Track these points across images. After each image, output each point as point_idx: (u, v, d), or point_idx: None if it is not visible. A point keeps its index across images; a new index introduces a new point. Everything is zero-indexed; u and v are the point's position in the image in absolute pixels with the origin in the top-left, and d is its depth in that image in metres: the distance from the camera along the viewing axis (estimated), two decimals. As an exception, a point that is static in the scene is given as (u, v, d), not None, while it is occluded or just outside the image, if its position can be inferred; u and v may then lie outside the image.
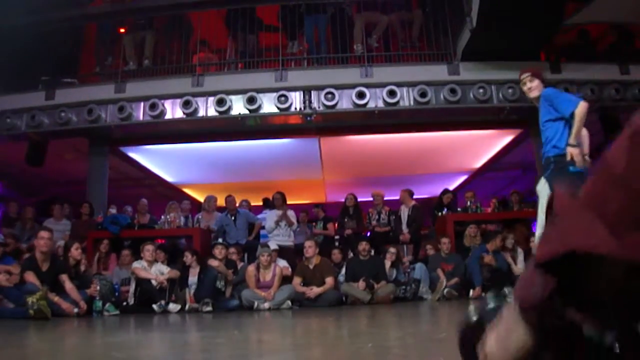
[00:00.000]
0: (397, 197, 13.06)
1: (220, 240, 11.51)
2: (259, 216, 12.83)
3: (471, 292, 9.97)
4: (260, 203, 14.47)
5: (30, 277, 8.16)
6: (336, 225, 13.19)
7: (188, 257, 9.98)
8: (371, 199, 13.19)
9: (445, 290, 9.83)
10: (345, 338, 5.10)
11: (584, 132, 6.55)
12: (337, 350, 3.97)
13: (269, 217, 12.15)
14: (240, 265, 10.82)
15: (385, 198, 13.35)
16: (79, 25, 13.74)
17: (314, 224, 13.66)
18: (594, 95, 11.44)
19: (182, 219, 11.94)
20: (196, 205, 16.13)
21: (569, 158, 6.07)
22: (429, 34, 12.34)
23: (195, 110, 11.75)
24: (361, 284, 9.98)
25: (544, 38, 11.28)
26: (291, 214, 12.11)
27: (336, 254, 11.13)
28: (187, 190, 18.82)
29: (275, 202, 12.21)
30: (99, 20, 13.73)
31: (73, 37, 13.47)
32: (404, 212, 12.69)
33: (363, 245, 10.49)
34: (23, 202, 14.01)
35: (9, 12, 12.00)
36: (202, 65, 12.61)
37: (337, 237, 12.97)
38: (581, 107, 6.16)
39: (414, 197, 13.04)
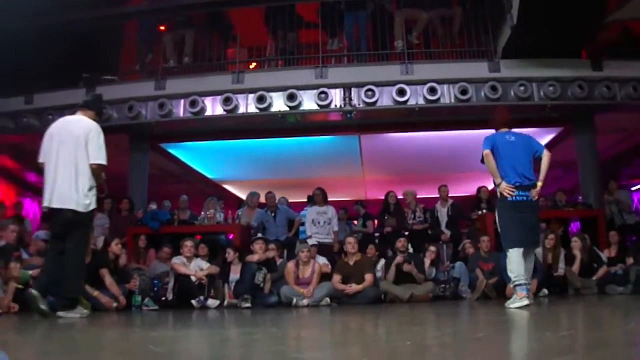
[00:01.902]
0: (436, 195, 12.95)
1: (261, 236, 11.51)
2: (301, 213, 12.81)
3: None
4: (299, 200, 14.45)
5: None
6: (376, 222, 13.13)
7: (230, 254, 10.00)
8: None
9: (485, 289, 9.74)
10: (383, 336, 5.05)
11: None
12: (375, 347, 3.92)
13: (309, 214, 12.16)
14: (279, 261, 10.81)
15: (424, 196, 13.27)
16: (119, 24, 13.84)
17: (354, 222, 13.63)
18: (636, 92, 11.30)
19: (220, 215, 11.96)
20: (235, 201, 16.18)
21: None
22: (469, 31, 12.24)
23: (236, 107, 11.80)
24: (399, 258, 10.03)
25: (585, 35, 11.14)
26: (332, 211, 12.11)
27: (371, 250, 11.07)
28: (227, 187, 18.90)
29: (316, 198, 12.18)
30: (139, 18, 13.82)
31: (113, 35, 13.58)
32: (442, 210, 12.60)
33: (402, 242, 10.42)
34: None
35: (50, 11, 12.11)
36: (241, 62, 12.59)
37: (376, 234, 12.93)
38: None
39: (449, 195, 12.95)
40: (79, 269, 6.91)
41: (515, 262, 7.21)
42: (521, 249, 7.26)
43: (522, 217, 7.33)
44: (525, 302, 6.94)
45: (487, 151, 7.57)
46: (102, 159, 6.93)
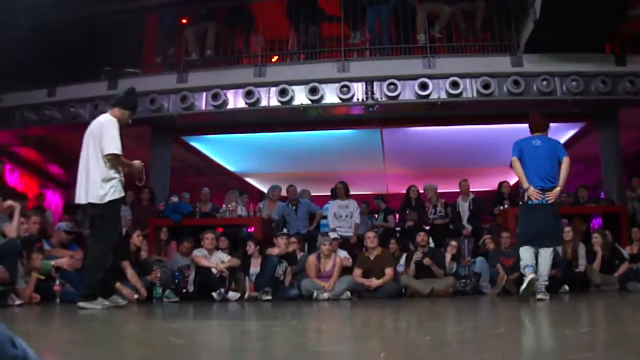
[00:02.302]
0: (457, 190, 12.93)
1: (285, 230, 11.56)
2: (324, 207, 12.81)
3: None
4: (321, 193, 14.44)
5: (92, 263, 8.26)
6: (397, 217, 13.12)
7: (251, 247, 10.04)
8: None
9: (505, 285, 9.70)
10: (403, 330, 5.08)
11: None
12: (395, 342, 3.94)
13: (331, 207, 12.16)
14: (300, 255, 10.81)
15: (445, 190, 13.24)
16: (141, 17, 13.89)
17: (375, 215, 13.62)
18: (660, 88, 11.24)
19: (242, 208, 11.99)
20: (257, 195, 16.22)
21: None
22: (491, 25, 12.17)
23: (258, 101, 11.82)
24: (418, 254, 10.06)
25: (608, 29, 11.06)
26: (353, 204, 12.14)
27: (393, 245, 11.06)
28: (248, 180, 18.95)
29: (338, 191, 12.22)
30: (161, 11, 13.86)
31: (135, 28, 13.64)
32: (463, 205, 12.57)
33: (421, 236, 10.40)
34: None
35: (72, 5, 12.19)
36: (263, 55, 12.61)
37: (397, 229, 12.92)
38: None
39: (470, 189, 12.92)
40: (97, 261, 6.96)
41: (525, 257, 7.54)
42: (530, 248, 7.58)
43: (534, 218, 7.64)
44: (532, 276, 7.28)
45: (514, 158, 7.91)
46: (114, 149, 6.99)
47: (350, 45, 12.63)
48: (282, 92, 11.64)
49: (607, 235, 10.45)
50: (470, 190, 12.84)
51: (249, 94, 11.73)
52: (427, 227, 12.11)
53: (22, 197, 12.13)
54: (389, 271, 9.80)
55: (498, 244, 10.73)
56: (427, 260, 9.94)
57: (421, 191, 12.97)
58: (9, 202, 7.67)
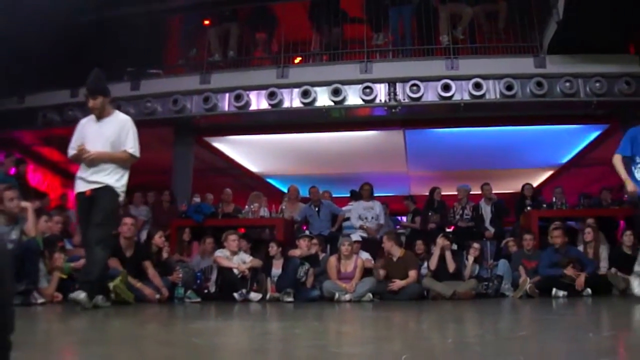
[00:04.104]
0: (479, 192, 12.88)
1: (307, 232, 11.58)
2: (344, 208, 12.79)
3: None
4: (343, 195, 14.42)
5: (114, 262, 8.28)
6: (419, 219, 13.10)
7: (273, 248, 10.05)
8: (455, 193, 12.94)
9: (528, 288, 9.65)
10: (425, 332, 5.05)
11: None
12: (417, 344, 3.93)
13: (355, 209, 12.15)
14: (322, 256, 10.80)
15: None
16: (164, 18, 13.97)
17: (403, 218, 13.60)
18: (686, 88, 11.15)
19: (264, 209, 12.00)
20: (279, 195, 16.25)
21: None
22: (514, 26, 12.12)
23: (280, 102, 11.87)
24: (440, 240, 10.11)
25: (633, 30, 10.95)
26: (378, 205, 12.16)
27: (419, 246, 11.02)
28: (270, 181, 18.99)
29: (364, 192, 12.23)
30: (184, 13, 13.94)
31: (158, 29, 13.70)
32: (486, 208, 12.52)
33: (442, 239, 10.36)
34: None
35: (95, 6, 12.27)
36: (286, 56, 12.63)
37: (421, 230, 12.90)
38: None
39: (493, 191, 12.86)
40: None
41: None
42: None
43: None
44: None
45: (618, 155, 7.83)
46: (70, 149, 7.24)
47: (372, 47, 12.62)
48: (305, 94, 11.68)
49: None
50: (493, 192, 12.76)
51: (271, 95, 11.78)
52: (450, 230, 12.09)
53: (41, 196, 12.23)
54: (412, 273, 9.75)
55: (520, 247, 10.66)
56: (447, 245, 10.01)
57: (447, 193, 12.94)
58: (22, 204, 7.69)
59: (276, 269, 9.88)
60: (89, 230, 6.77)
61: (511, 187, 16.05)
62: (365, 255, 10.51)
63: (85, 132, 7.24)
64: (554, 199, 11.70)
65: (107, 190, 6.89)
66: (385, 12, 12.71)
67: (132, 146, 7.13)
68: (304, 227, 12.35)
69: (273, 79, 12.11)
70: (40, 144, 14.74)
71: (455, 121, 13.17)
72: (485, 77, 11.48)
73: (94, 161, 6.93)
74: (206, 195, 12.74)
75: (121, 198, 7.14)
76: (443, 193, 12.97)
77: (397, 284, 9.63)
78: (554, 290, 9.39)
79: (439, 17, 12.37)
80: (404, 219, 15.01)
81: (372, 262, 10.43)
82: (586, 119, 12.66)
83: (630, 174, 7.59)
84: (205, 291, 9.77)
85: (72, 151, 7.11)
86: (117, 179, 7.02)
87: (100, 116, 7.23)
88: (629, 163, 7.60)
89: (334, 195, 13.37)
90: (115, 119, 7.28)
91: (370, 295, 9.63)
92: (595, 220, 11.01)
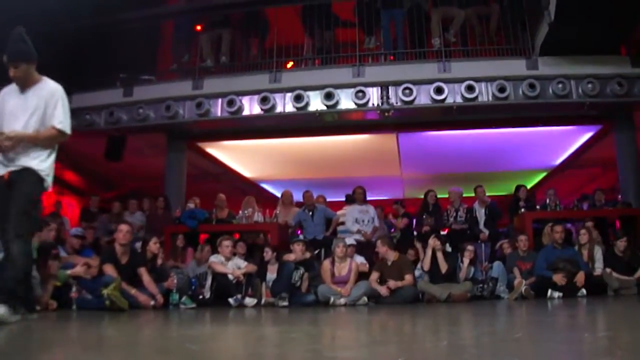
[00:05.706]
0: (472, 195, 12.87)
1: (301, 237, 11.55)
2: (338, 212, 12.75)
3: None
4: (337, 199, 14.40)
5: (109, 269, 8.26)
6: (414, 221, 13.09)
7: (268, 253, 10.04)
8: (447, 196, 12.94)
9: (523, 289, 9.65)
10: (420, 335, 5.04)
11: None
12: (412, 347, 3.90)
13: (350, 213, 12.13)
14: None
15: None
16: (156, 24, 13.96)
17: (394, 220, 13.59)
18: (676, 89, 11.20)
19: (258, 214, 11.98)
20: (273, 200, 16.25)
21: None
22: (506, 29, 12.18)
23: (273, 107, 11.89)
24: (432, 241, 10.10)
25: (624, 31, 11.01)
26: (372, 209, 12.16)
27: (410, 254, 11.00)
28: (264, 185, 18.98)
29: (357, 196, 12.17)
30: (175, 18, 13.94)
31: (150, 35, 13.69)
32: (480, 210, 12.51)
33: (434, 240, 10.35)
34: (102, 196, 14.32)
35: (87, 12, 12.25)
36: (278, 61, 12.62)
37: (415, 233, 12.88)
38: None
39: (487, 194, 12.85)
40: None
41: None
42: None
43: None
44: None
45: None
46: None
47: (365, 50, 12.62)
48: (298, 98, 11.70)
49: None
50: (487, 194, 12.75)
51: (264, 100, 11.80)
52: (445, 232, 12.08)
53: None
54: (408, 277, 9.73)
55: (515, 248, 10.66)
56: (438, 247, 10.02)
57: (443, 196, 12.93)
58: None
59: (271, 274, 9.87)
60: (7, 223, 5.53)
61: (505, 189, 16.10)
62: (359, 259, 10.48)
63: (5, 105, 6.03)
64: (547, 201, 11.72)
65: (29, 172, 5.78)
66: (377, 15, 12.71)
67: (60, 120, 6.08)
68: (298, 232, 12.32)
69: (265, 83, 12.13)
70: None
71: (448, 124, 13.22)
72: (478, 80, 11.53)
73: (15, 145, 5.75)
74: (193, 198, 12.70)
75: (47, 183, 5.95)
76: (437, 196, 12.94)
77: (392, 283, 9.56)
78: (549, 291, 9.41)
79: (430, 20, 12.39)
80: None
81: (367, 265, 10.41)
82: (579, 120, 12.71)
83: None
84: (200, 297, 9.74)
85: None
86: (41, 160, 5.96)
87: (24, 86, 6.10)
88: None
89: (327, 200, 13.34)
90: (42, 88, 6.22)
91: (366, 299, 9.59)
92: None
